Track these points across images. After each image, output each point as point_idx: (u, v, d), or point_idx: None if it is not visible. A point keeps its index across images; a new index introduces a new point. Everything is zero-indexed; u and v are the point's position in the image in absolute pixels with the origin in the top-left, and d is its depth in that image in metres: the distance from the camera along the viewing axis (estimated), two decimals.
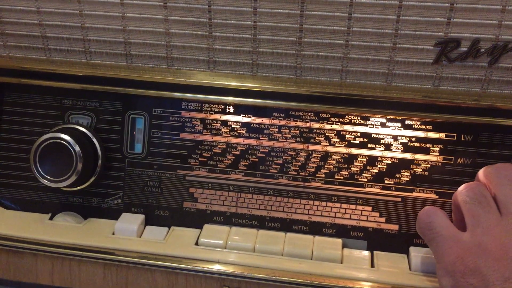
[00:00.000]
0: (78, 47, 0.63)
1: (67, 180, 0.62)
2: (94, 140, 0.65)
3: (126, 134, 0.66)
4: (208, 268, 0.59)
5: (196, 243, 0.63)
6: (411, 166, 0.61)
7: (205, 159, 0.65)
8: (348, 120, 0.62)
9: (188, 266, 0.60)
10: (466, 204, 0.52)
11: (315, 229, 0.63)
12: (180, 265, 0.60)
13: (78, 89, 0.65)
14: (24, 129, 0.67)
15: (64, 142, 0.62)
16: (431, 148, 0.60)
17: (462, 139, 0.60)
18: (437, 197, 0.61)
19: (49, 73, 0.65)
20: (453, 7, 0.53)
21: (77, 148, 0.62)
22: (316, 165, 0.63)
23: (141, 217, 0.65)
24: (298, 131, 0.63)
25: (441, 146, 0.60)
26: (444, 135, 0.60)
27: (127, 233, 0.64)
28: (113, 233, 0.64)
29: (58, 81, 0.65)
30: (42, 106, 0.67)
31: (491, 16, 0.53)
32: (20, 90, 0.67)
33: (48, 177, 0.62)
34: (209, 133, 0.64)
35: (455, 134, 0.60)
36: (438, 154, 0.60)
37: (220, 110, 0.64)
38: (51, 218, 0.67)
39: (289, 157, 0.63)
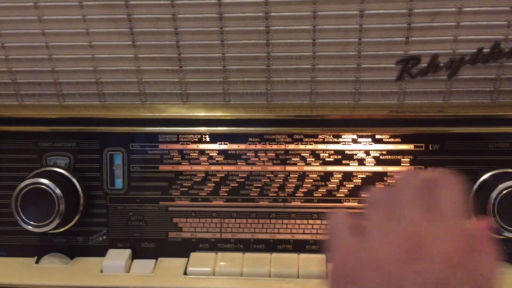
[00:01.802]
0: (50, 90, 0.63)
1: (51, 223, 0.62)
2: (74, 180, 0.66)
3: (105, 171, 0.67)
4: None
5: (185, 273, 0.64)
6: (385, 178, 0.64)
7: (186, 189, 0.66)
8: (321, 139, 0.64)
9: None
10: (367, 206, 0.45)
11: (299, 246, 0.65)
12: None
13: (54, 132, 0.66)
14: (1, 175, 0.67)
15: (44, 187, 0.62)
16: (402, 160, 0.63)
17: (430, 149, 0.63)
18: None
19: (22, 118, 0.65)
20: (410, 26, 0.56)
21: (57, 191, 0.62)
22: (294, 185, 0.65)
23: (127, 252, 0.66)
24: (274, 154, 0.65)
25: (411, 157, 0.63)
26: (413, 146, 0.63)
27: (115, 269, 0.64)
28: (101, 271, 0.65)
29: (32, 125, 0.65)
30: (18, 150, 0.67)
31: (446, 32, 0.56)
32: None
33: (31, 222, 0.62)
34: (188, 163, 0.66)
35: (423, 145, 0.63)
36: (409, 164, 0.63)
37: (196, 139, 0.66)
38: (37, 262, 0.67)
39: (268, 180, 0.65)
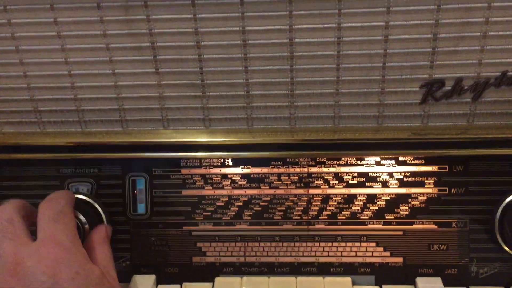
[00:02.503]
0: (72, 117, 0.63)
1: None
2: (97, 205, 0.65)
3: (128, 196, 0.67)
4: None
5: None
6: (409, 200, 0.64)
7: (209, 213, 0.66)
8: (345, 162, 0.64)
9: None
10: None
11: (324, 269, 0.65)
12: None
13: (76, 158, 0.65)
14: None
15: None
16: (426, 181, 0.63)
17: (454, 170, 0.63)
18: (436, 227, 0.63)
19: (45, 146, 0.65)
20: (435, 51, 0.56)
21: (82, 218, 0.62)
22: (318, 208, 0.65)
23: (152, 278, 0.66)
24: (297, 177, 0.65)
25: (435, 178, 0.63)
26: (437, 167, 0.63)
27: None
28: None
29: (54, 153, 0.65)
30: (41, 177, 0.67)
31: (471, 56, 0.56)
32: (15, 164, 0.67)
33: None
34: (211, 187, 0.66)
35: (447, 166, 0.63)
36: (433, 186, 0.63)
37: (219, 164, 0.66)
38: None
39: (291, 203, 0.65)
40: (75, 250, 0.53)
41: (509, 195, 0.60)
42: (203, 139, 0.63)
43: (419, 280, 0.63)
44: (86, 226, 0.62)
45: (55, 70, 0.60)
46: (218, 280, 0.65)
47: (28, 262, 0.50)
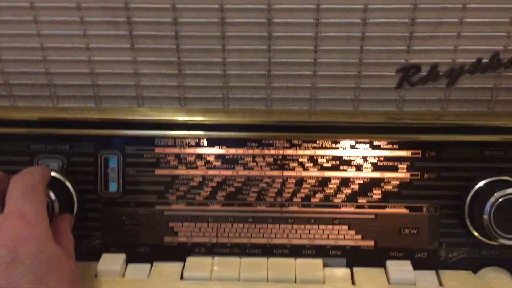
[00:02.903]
0: (44, 92, 0.62)
1: None
2: (67, 183, 0.64)
3: (99, 174, 0.66)
4: None
5: (181, 277, 0.63)
6: (382, 184, 0.64)
7: (183, 193, 0.65)
8: (320, 145, 0.64)
9: None
10: None
11: (296, 251, 0.66)
12: None
13: (47, 134, 0.64)
14: None
15: None
16: (399, 166, 0.64)
17: (427, 155, 0.63)
18: (408, 211, 0.64)
19: (15, 120, 0.63)
20: (412, 36, 0.56)
21: (51, 195, 0.61)
22: (292, 190, 0.65)
23: (122, 257, 0.65)
24: (272, 159, 0.65)
25: (408, 163, 0.64)
26: (410, 152, 0.64)
27: (110, 274, 0.64)
28: (96, 276, 0.64)
29: (25, 127, 0.64)
30: (9, 152, 0.65)
31: (447, 42, 0.56)
32: None
33: None
34: (185, 167, 0.65)
35: (420, 151, 0.63)
36: (406, 171, 0.64)
37: (193, 144, 0.65)
38: None
39: (265, 185, 0.65)
40: (40, 228, 0.52)
41: (480, 181, 0.61)
42: (178, 118, 0.62)
43: (389, 263, 0.63)
44: (56, 204, 0.61)
45: (27, 42, 0.59)
46: (190, 260, 0.65)
47: None
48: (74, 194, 0.64)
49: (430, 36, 0.56)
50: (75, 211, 0.64)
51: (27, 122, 0.63)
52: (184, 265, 0.65)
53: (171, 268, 0.65)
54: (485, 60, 0.57)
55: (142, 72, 0.60)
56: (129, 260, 0.66)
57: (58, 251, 0.52)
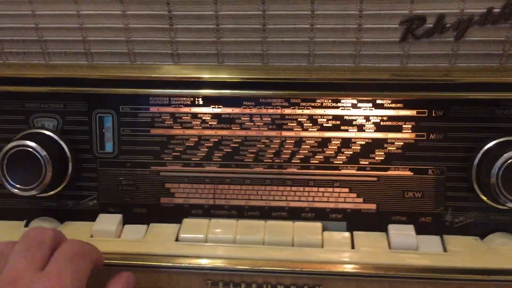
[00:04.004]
0: (34, 48, 0.60)
1: (38, 187, 0.60)
2: (62, 143, 0.63)
3: (94, 133, 0.64)
4: (190, 264, 0.59)
5: (177, 239, 0.62)
6: (385, 145, 0.61)
7: (179, 153, 0.64)
8: (319, 104, 0.61)
9: (170, 264, 0.60)
10: None
11: (294, 214, 0.64)
12: (162, 263, 0.60)
13: (41, 92, 0.63)
14: None
15: (30, 149, 0.60)
16: (403, 126, 0.60)
17: (433, 115, 0.60)
18: (412, 173, 0.61)
19: (8, 78, 0.62)
20: None
21: (44, 153, 0.60)
22: (290, 151, 0.62)
23: (118, 217, 0.64)
24: (270, 119, 0.62)
25: (413, 123, 0.60)
26: (416, 111, 0.60)
27: (105, 234, 0.63)
28: (91, 236, 0.63)
29: (19, 85, 0.63)
30: (4, 111, 0.65)
31: None
32: None
33: (18, 185, 0.61)
34: (180, 127, 0.63)
35: (426, 110, 0.60)
36: (410, 131, 0.60)
37: (189, 102, 0.63)
38: (26, 225, 0.66)
39: (263, 145, 0.63)
40: None
41: (488, 142, 0.58)
42: (171, 74, 0.60)
43: (391, 227, 0.61)
44: (49, 161, 0.60)
45: None
46: (186, 221, 0.64)
47: (25, 285, 0.48)
48: (68, 153, 0.63)
49: None
50: (70, 171, 0.64)
51: (21, 80, 0.62)
52: (180, 226, 0.63)
53: (167, 229, 0.64)
54: (496, 10, 0.52)
55: (132, 27, 0.58)
56: (126, 221, 0.65)
57: None
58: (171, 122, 0.63)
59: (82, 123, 0.64)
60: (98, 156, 0.65)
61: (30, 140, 0.60)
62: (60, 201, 0.66)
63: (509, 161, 0.54)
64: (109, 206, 0.66)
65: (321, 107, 0.61)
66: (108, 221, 0.64)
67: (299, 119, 0.62)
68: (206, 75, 0.60)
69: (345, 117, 0.61)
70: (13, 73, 0.62)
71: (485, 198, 0.59)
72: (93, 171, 0.65)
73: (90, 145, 0.65)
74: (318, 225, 0.62)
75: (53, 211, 0.66)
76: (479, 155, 0.58)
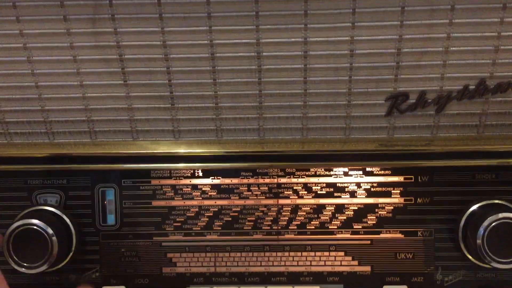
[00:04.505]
0: (40, 129, 0.63)
1: (44, 264, 0.61)
2: (65, 217, 0.65)
3: (97, 207, 0.66)
4: None
5: None
6: (376, 210, 0.65)
7: (180, 224, 0.66)
8: (313, 173, 0.65)
9: None
10: None
11: (293, 279, 0.66)
12: None
13: (44, 169, 0.65)
14: None
15: (35, 227, 0.61)
16: (392, 191, 0.64)
17: (420, 180, 0.64)
18: (403, 236, 0.65)
19: (12, 157, 0.64)
20: (399, 65, 0.57)
21: (49, 230, 0.62)
22: (287, 218, 0.66)
23: None
24: (267, 188, 0.65)
25: (401, 189, 0.64)
26: (403, 178, 0.64)
27: None
28: None
29: (23, 164, 0.65)
30: (8, 189, 0.66)
31: (433, 70, 0.57)
32: None
33: (24, 264, 0.61)
34: (181, 198, 0.66)
35: (413, 176, 0.64)
36: (399, 196, 0.64)
37: (189, 175, 0.66)
38: None
39: (261, 213, 0.66)
40: None
41: (472, 205, 0.62)
42: (172, 150, 0.63)
43: None
44: (54, 238, 0.61)
45: (22, 81, 0.60)
46: None
47: None
48: (72, 228, 0.65)
49: (416, 65, 0.57)
50: (73, 245, 0.65)
51: (24, 159, 0.64)
52: None
53: None
54: (472, 87, 0.58)
55: (135, 107, 0.61)
56: None
57: None
58: (172, 194, 0.66)
59: (85, 197, 0.66)
60: (101, 229, 0.67)
61: (35, 218, 0.62)
62: (63, 275, 0.67)
63: (493, 224, 0.58)
64: (111, 278, 0.67)
65: (315, 175, 0.65)
66: None
67: (294, 187, 0.65)
68: (206, 150, 0.63)
69: (337, 184, 0.65)
70: (17, 152, 0.64)
71: (472, 258, 0.63)
72: (96, 244, 0.67)
73: (93, 219, 0.66)
74: None
75: (56, 285, 0.67)
76: (464, 217, 0.62)
